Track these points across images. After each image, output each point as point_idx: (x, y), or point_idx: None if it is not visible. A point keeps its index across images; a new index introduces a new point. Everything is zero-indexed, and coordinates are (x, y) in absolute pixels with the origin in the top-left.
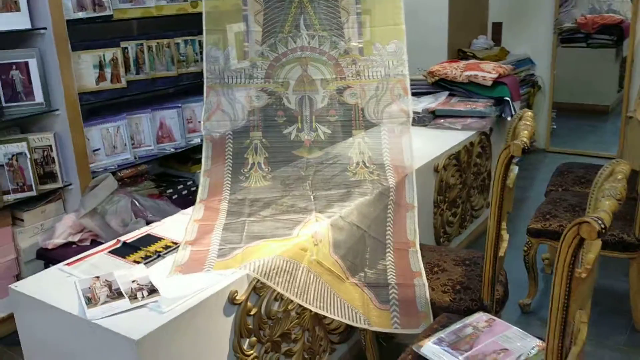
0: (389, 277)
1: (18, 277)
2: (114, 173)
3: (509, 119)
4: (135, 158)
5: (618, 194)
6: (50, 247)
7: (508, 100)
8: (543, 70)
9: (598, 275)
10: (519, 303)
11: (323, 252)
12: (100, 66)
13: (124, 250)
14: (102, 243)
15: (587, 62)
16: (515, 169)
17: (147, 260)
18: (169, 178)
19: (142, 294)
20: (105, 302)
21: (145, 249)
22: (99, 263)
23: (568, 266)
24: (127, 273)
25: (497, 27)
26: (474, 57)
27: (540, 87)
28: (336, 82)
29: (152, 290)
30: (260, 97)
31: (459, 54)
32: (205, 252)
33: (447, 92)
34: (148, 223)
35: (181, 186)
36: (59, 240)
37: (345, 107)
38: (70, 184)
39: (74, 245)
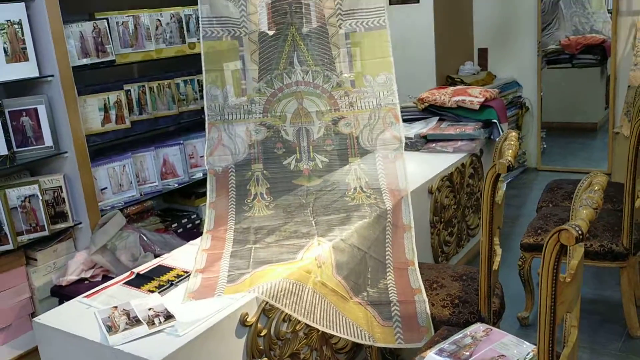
0: (390, 295)
1: (33, 315)
2: (121, 210)
3: (497, 140)
4: (140, 195)
5: (594, 203)
6: (64, 284)
7: (496, 123)
8: (530, 91)
9: (592, 286)
10: (517, 316)
11: (327, 274)
12: (105, 109)
13: (138, 281)
14: (113, 278)
15: (573, 81)
16: (503, 186)
17: (161, 289)
18: (174, 212)
19: (159, 320)
20: (125, 329)
21: (158, 278)
22: (115, 294)
23: (552, 270)
24: (143, 302)
25: (483, 53)
26: (462, 82)
27: (528, 108)
28: (331, 114)
29: (168, 316)
30: (259, 131)
31: (447, 80)
32: (215, 278)
33: (437, 117)
34: (156, 257)
35: (185, 220)
36: (72, 277)
37: (340, 136)
38: (80, 223)
39: (86, 281)
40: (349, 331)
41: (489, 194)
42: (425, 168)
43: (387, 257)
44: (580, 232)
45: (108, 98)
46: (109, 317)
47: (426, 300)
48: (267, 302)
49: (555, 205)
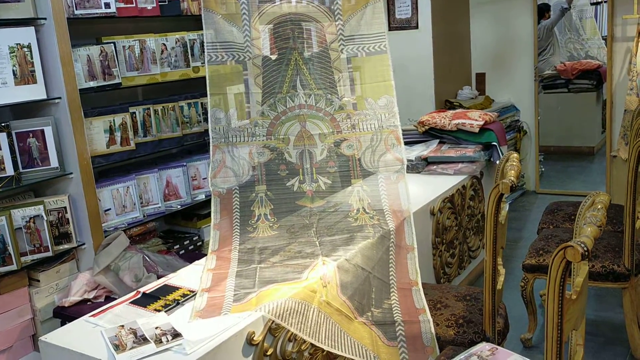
0: (395, 315)
1: (34, 337)
2: (124, 231)
3: (497, 162)
4: (144, 216)
5: (598, 221)
6: (66, 305)
7: (496, 145)
8: (527, 115)
9: (595, 308)
10: (521, 338)
11: (332, 293)
12: (111, 130)
13: (145, 300)
14: (116, 299)
15: (569, 106)
16: (505, 207)
17: (167, 308)
18: (176, 234)
19: (167, 338)
20: (133, 347)
21: (164, 298)
22: (122, 313)
23: (558, 287)
24: (149, 321)
25: (481, 77)
26: (461, 106)
27: (525, 132)
28: (333, 136)
29: (176, 334)
30: (263, 153)
31: (446, 104)
32: (222, 297)
33: (437, 140)
34: (159, 277)
35: (187, 241)
36: (75, 297)
37: (343, 158)
38: (83, 244)
39: (89, 302)
40: (355, 351)
41: (493, 213)
42: (426, 189)
43: (391, 278)
44: (585, 248)
45: (113, 120)
46: (115, 336)
47: (431, 320)
48: (273, 321)
49: (556, 227)
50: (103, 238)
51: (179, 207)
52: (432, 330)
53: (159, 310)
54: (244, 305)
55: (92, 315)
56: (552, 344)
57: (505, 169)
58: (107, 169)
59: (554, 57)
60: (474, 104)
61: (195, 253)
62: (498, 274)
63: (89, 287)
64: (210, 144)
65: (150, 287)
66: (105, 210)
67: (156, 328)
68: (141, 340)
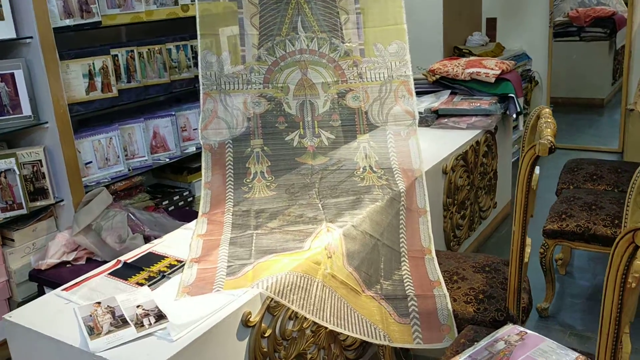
0: (406, 288)
1: (10, 301)
2: (107, 186)
3: (514, 116)
4: (129, 170)
5: None
6: (43, 267)
7: (513, 97)
8: (539, 65)
9: None
10: (537, 307)
11: (337, 265)
12: (90, 75)
13: (125, 272)
14: (98, 261)
15: (580, 55)
16: (537, 170)
17: (151, 281)
18: (165, 189)
19: (149, 321)
20: (110, 331)
21: (148, 269)
22: (99, 287)
23: (621, 277)
24: (130, 297)
25: (492, 23)
26: (470, 53)
27: (537, 82)
28: (337, 86)
29: (160, 316)
30: (259, 103)
31: (454, 51)
32: (213, 270)
33: (448, 91)
34: (145, 238)
35: (177, 197)
36: (52, 260)
37: (348, 110)
38: (62, 200)
39: (68, 265)
40: (363, 330)
41: (526, 179)
42: (437, 146)
43: (401, 245)
44: None
45: (93, 64)
46: (90, 316)
47: (447, 294)
48: (272, 299)
49: (577, 187)
50: (84, 194)
51: (167, 160)
52: (449, 306)
53: (141, 284)
54: (239, 280)
55: (65, 289)
56: (607, 341)
57: (539, 126)
58: (87, 118)
59: (564, 3)
60: (484, 52)
61: (185, 210)
62: (525, 245)
63: (68, 249)
64: (201, 92)
65: (132, 255)
66: (86, 164)
67: (137, 307)
68: (119, 321)
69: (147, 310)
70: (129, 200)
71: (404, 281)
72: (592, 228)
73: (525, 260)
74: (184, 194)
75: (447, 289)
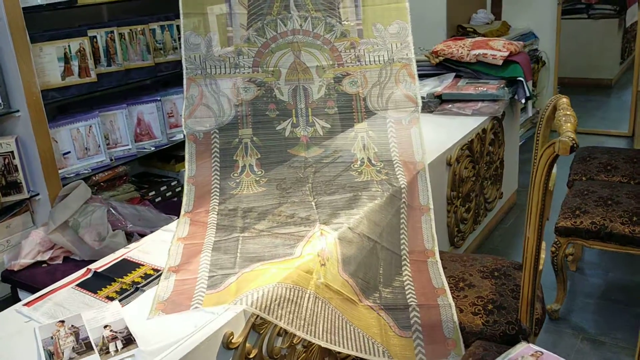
0: (408, 297)
1: None
2: (88, 177)
3: (523, 101)
4: (111, 160)
5: None
6: (16, 268)
7: (522, 81)
8: (547, 44)
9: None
10: (547, 309)
11: (331, 273)
12: (66, 59)
13: (95, 283)
14: (76, 260)
15: (588, 34)
16: (554, 168)
17: (123, 295)
18: (151, 178)
19: (116, 346)
20: (71, 358)
21: (120, 279)
22: (65, 301)
23: None
24: (98, 315)
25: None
26: (475, 32)
27: (544, 62)
28: (333, 70)
29: (128, 340)
30: (249, 89)
31: (458, 30)
32: (193, 281)
33: (453, 74)
34: (128, 234)
35: (164, 187)
36: (26, 260)
37: (344, 97)
38: (37, 194)
39: (44, 265)
40: (360, 345)
41: (542, 181)
42: (441, 134)
43: (402, 247)
44: None
45: (69, 46)
46: (52, 338)
47: (452, 304)
48: (258, 316)
49: (590, 179)
50: (61, 187)
51: (152, 148)
52: (455, 318)
53: (111, 299)
54: (221, 294)
55: (26, 304)
56: None
57: (557, 120)
58: (64, 105)
59: None
60: (489, 30)
61: (173, 201)
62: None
63: (43, 247)
64: (184, 77)
65: (104, 263)
66: (64, 154)
67: (105, 327)
68: (83, 346)
69: (115, 332)
70: (112, 192)
71: (405, 289)
72: (608, 226)
73: (540, 267)
74: (172, 183)
75: (453, 297)
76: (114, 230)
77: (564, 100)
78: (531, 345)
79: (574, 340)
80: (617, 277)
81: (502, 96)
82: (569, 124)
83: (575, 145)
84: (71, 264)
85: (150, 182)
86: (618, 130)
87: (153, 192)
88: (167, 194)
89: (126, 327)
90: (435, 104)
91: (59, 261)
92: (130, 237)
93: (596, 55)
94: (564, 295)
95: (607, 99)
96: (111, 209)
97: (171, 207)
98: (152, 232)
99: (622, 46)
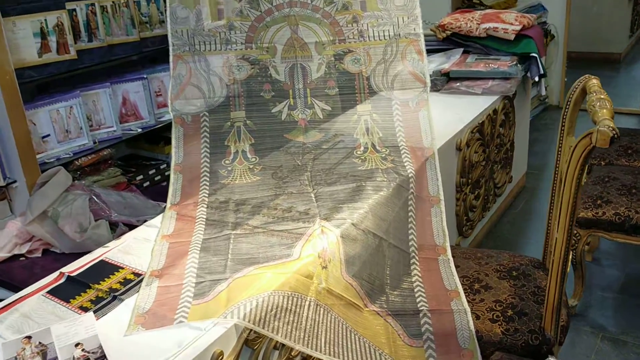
0: (418, 301)
1: None
2: (70, 162)
3: (536, 79)
4: (94, 143)
5: None
6: None
7: (535, 57)
8: (556, 17)
9: None
10: None
11: (334, 276)
12: (43, 34)
13: (68, 289)
14: (56, 253)
15: (597, 6)
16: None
17: (99, 305)
18: (139, 161)
19: None
20: None
21: (96, 286)
22: (33, 311)
23: None
24: (69, 330)
25: None
26: (481, 4)
27: (553, 36)
28: (334, 46)
29: None
30: (241, 67)
31: (463, 1)
32: (178, 289)
33: (461, 49)
34: (112, 224)
35: (153, 170)
36: (2, 253)
37: (346, 76)
38: (14, 182)
39: (22, 258)
40: (365, 358)
41: (576, 176)
42: (449, 116)
43: (410, 244)
44: None
45: (45, 20)
46: (16, 358)
47: (468, 309)
48: (251, 330)
49: (610, 164)
50: (40, 173)
51: (139, 130)
52: (471, 325)
53: (86, 309)
54: (209, 304)
55: None
56: None
57: (590, 104)
58: (42, 85)
59: None
60: (496, 2)
61: (162, 186)
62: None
63: (21, 239)
64: (171, 54)
65: (79, 265)
66: (43, 137)
67: (77, 346)
68: None
69: (88, 353)
70: (96, 176)
71: (415, 291)
72: (633, 217)
73: (567, 270)
74: (161, 167)
75: (468, 301)
76: (96, 220)
77: (594, 81)
78: None
79: (593, 339)
80: (636, 268)
81: (515, 74)
82: (604, 110)
83: (616, 135)
84: (51, 257)
85: (138, 166)
86: (629, 108)
87: (141, 177)
88: (156, 178)
89: (100, 346)
90: (442, 82)
91: (38, 254)
92: (114, 228)
93: (605, 28)
94: (581, 290)
95: (616, 73)
96: (94, 196)
97: (160, 193)
98: (138, 221)
99: (632, 18)
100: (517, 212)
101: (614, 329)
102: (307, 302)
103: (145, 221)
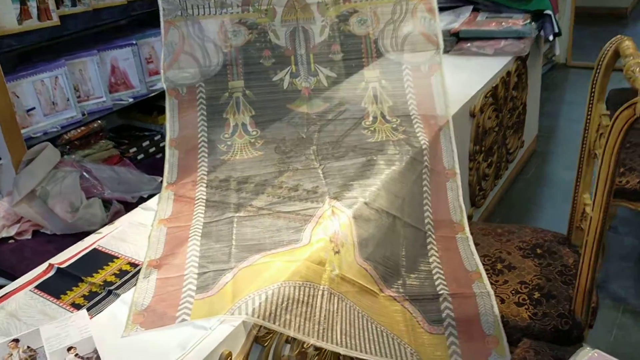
0: (437, 284)
1: None
2: (58, 136)
3: (550, 38)
4: (83, 115)
5: None
6: None
7: (550, 15)
8: None
9: None
10: None
11: (347, 261)
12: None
13: (58, 284)
14: (47, 234)
15: None
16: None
17: (92, 301)
18: (132, 132)
19: None
20: None
21: (89, 279)
22: (20, 309)
23: None
24: (61, 332)
25: None
26: None
27: None
28: (338, 6)
29: None
30: (238, 33)
31: None
32: (179, 281)
33: (470, 7)
34: (106, 202)
35: (147, 142)
36: None
37: (352, 39)
38: None
39: (11, 241)
40: (385, 349)
41: (617, 150)
42: (461, 79)
43: (427, 222)
44: None
45: None
46: None
47: (491, 292)
48: (261, 326)
49: (631, 128)
50: (26, 149)
51: (130, 100)
52: (495, 309)
53: (78, 306)
54: (214, 299)
55: None
56: None
57: (628, 70)
58: (24, 54)
59: None
60: None
61: (156, 158)
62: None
63: (9, 221)
64: (162, 20)
65: (70, 254)
66: (28, 111)
67: (69, 350)
68: None
69: (82, 358)
70: (87, 150)
71: (433, 273)
72: None
73: (601, 251)
74: (155, 138)
75: (491, 283)
76: (88, 198)
77: (628, 43)
78: (600, 352)
79: (614, 313)
80: None
81: (528, 33)
82: None
83: None
84: (42, 238)
85: (131, 137)
86: None
87: (134, 149)
88: (150, 150)
89: (95, 351)
90: (452, 42)
91: (28, 236)
92: (108, 205)
93: None
94: (602, 262)
95: (623, 29)
96: (85, 173)
97: (155, 166)
98: (133, 197)
99: None
100: (529, 177)
101: (635, 301)
102: (320, 292)
103: (141, 197)
